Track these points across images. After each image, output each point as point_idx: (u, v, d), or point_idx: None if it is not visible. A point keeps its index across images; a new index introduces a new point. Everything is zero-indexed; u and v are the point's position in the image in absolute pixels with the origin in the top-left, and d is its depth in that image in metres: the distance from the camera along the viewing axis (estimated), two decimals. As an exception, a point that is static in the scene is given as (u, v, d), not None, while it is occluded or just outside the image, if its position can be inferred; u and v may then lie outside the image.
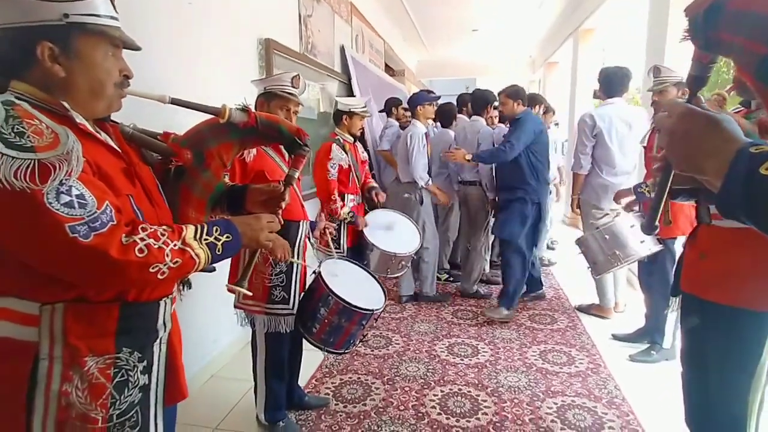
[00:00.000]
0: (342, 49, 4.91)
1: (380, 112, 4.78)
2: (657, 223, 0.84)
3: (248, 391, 2.41)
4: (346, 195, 2.92)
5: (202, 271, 1.19)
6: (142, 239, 0.85)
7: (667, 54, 3.49)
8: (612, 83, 3.21)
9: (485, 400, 2.38)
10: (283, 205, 1.21)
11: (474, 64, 10.69)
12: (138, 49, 0.98)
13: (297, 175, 1.23)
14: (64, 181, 0.79)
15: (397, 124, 4.52)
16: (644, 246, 2.46)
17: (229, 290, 1.16)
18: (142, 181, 1.01)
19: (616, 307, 3.50)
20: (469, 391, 2.47)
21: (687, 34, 0.72)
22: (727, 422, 1.39)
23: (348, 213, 2.77)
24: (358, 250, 2.98)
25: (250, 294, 1.18)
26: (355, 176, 2.99)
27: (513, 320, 3.43)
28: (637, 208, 2.63)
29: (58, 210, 0.77)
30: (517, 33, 8.44)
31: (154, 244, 0.86)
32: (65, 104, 0.87)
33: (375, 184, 3.16)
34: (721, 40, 0.67)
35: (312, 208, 2.88)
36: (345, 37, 5.03)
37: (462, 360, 2.83)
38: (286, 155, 1.47)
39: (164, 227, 0.90)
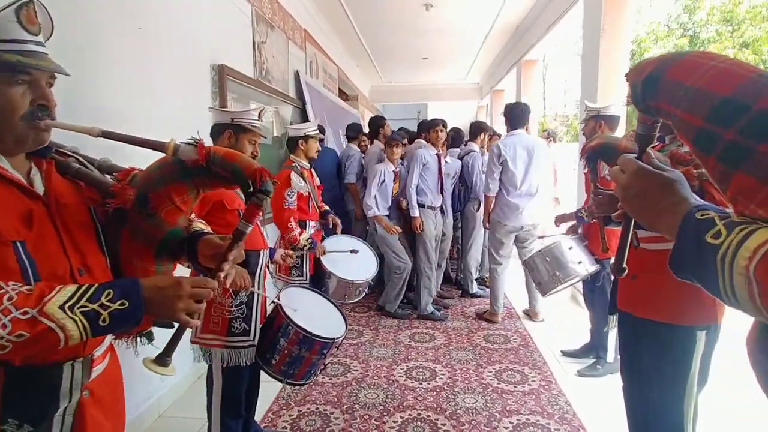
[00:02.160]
0: (297, 75, 4.96)
1: (347, 137, 4.82)
2: (624, 264, 0.87)
3: (200, 430, 2.30)
4: (307, 222, 2.91)
5: (157, 326, 1.06)
6: None
7: (600, 84, 3.80)
8: (515, 117, 3.75)
9: (444, 424, 2.40)
10: (226, 266, 0.97)
11: (425, 90, 11.07)
12: (63, 73, 0.88)
13: (248, 230, 0.98)
14: None
15: (358, 150, 4.59)
16: (582, 267, 2.61)
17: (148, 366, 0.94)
18: (60, 223, 0.89)
19: (536, 316, 3.92)
20: (428, 416, 2.48)
21: (629, 99, 0.75)
22: (667, 430, 1.50)
23: (307, 240, 2.76)
24: (319, 277, 2.97)
25: (173, 374, 0.95)
26: (314, 202, 3.00)
27: (469, 341, 3.52)
28: (579, 231, 2.80)
29: None
30: (465, 62, 8.86)
31: None
32: None
33: (328, 208, 3.19)
34: (660, 108, 0.68)
35: (269, 235, 2.85)
36: (299, 63, 5.09)
37: (420, 384, 2.85)
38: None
39: (23, 288, 0.75)
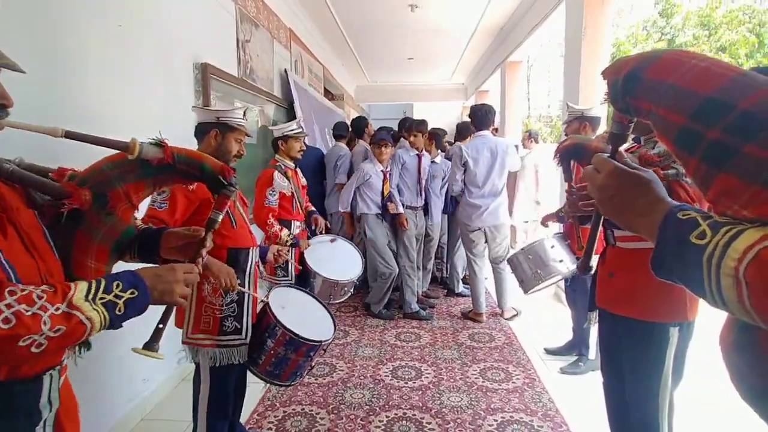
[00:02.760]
0: (285, 73, 4.94)
1: (336, 136, 4.73)
2: (592, 263, 0.90)
3: (184, 433, 2.27)
4: (291, 222, 2.90)
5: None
6: (9, 306, 0.70)
7: (582, 85, 3.87)
8: (480, 118, 3.81)
9: (429, 423, 2.42)
10: (204, 252, 1.04)
11: (411, 90, 11.09)
12: (14, 69, 0.82)
13: (220, 218, 1.08)
14: None
15: (347, 149, 4.53)
16: (563, 265, 2.65)
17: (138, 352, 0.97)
18: (20, 229, 0.85)
19: (504, 314, 3.99)
20: (414, 415, 2.50)
21: (606, 97, 0.74)
22: (642, 424, 1.54)
23: (288, 236, 2.75)
24: (304, 278, 2.96)
25: (162, 358, 0.99)
26: (298, 202, 2.99)
27: (454, 340, 3.54)
28: (561, 229, 2.85)
29: None
30: (450, 63, 8.91)
31: (26, 311, 0.71)
32: None
33: (313, 209, 3.18)
34: (639, 107, 0.67)
35: (259, 233, 2.83)
36: (284, 62, 5.06)
37: (406, 383, 2.86)
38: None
39: (44, 287, 0.76)
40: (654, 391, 1.50)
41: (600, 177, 0.70)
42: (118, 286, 0.82)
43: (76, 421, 0.99)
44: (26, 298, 0.72)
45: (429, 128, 4.31)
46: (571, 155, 1.87)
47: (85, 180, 0.97)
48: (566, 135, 2.93)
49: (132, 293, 0.83)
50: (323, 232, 3.18)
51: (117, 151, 1.00)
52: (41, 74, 1.80)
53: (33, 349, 0.72)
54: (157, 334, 1.00)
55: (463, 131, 4.65)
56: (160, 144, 1.00)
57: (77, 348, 1.02)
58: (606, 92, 0.73)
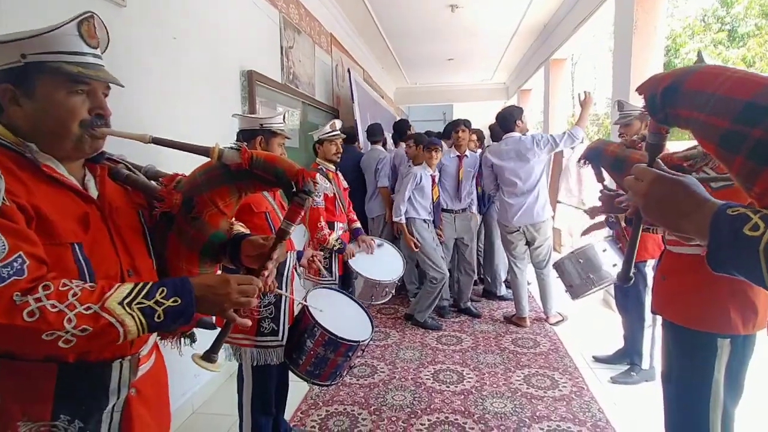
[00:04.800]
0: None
1: (369, 141, 4.63)
2: (632, 274, 0.90)
3: (231, 427, 2.35)
4: (335, 223, 2.94)
5: (200, 327, 1.11)
6: (37, 300, 0.73)
7: (633, 81, 3.68)
8: (506, 121, 3.83)
9: (472, 428, 2.37)
10: (270, 265, 1.02)
11: (451, 91, 10.99)
12: (118, 84, 0.92)
13: (292, 229, 1.03)
14: None
15: (385, 152, 4.48)
16: (616, 269, 2.54)
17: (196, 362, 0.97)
18: (113, 227, 0.93)
19: (549, 319, 3.87)
20: (456, 419, 2.46)
21: (644, 110, 0.81)
22: None
23: (337, 240, 2.78)
24: (347, 278, 2.99)
25: (218, 371, 1.02)
26: (341, 204, 3.02)
27: (497, 344, 3.46)
28: (613, 235, 2.73)
29: None
30: (491, 62, 8.76)
31: (53, 308, 0.73)
32: (31, 146, 0.84)
33: (359, 225, 3.16)
34: (679, 115, 0.74)
35: (297, 236, 2.89)
36: (325, 67, 5.15)
37: (448, 387, 2.82)
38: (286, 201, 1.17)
39: (86, 286, 0.79)
40: (704, 408, 1.40)
41: (643, 185, 0.74)
42: (162, 292, 0.82)
43: (159, 410, 1.04)
44: (59, 294, 0.75)
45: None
46: (587, 158, 1.94)
47: (182, 185, 1.04)
48: (623, 135, 2.77)
49: (174, 301, 0.82)
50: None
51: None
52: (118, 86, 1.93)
53: (61, 344, 0.73)
54: (217, 344, 0.99)
55: (497, 133, 4.57)
56: (239, 148, 0.99)
57: (181, 338, 1.12)
58: (644, 105, 0.80)
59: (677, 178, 0.72)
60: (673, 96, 0.74)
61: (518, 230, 3.78)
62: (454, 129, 4.13)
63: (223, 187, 1.03)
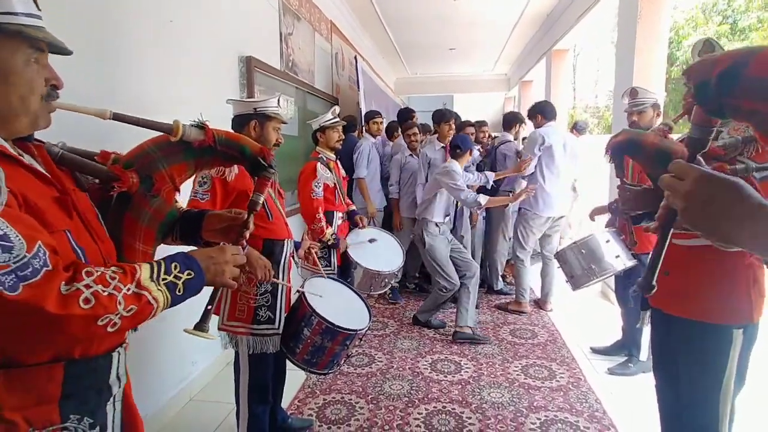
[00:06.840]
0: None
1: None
2: (654, 282, 0.81)
3: (228, 415, 2.34)
4: (334, 213, 2.92)
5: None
6: (87, 286, 0.70)
7: (636, 72, 3.65)
8: (546, 111, 3.90)
9: (469, 418, 2.38)
10: (247, 234, 1.06)
11: (452, 82, 10.91)
12: (69, 53, 0.82)
13: (261, 200, 1.09)
14: None
15: (366, 140, 4.32)
16: (619, 261, 2.52)
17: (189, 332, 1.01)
18: (80, 212, 0.85)
19: (545, 306, 3.97)
20: (454, 409, 2.46)
21: (692, 100, 0.69)
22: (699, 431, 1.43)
23: (332, 236, 2.76)
24: (346, 268, 2.98)
25: (214, 338, 1.05)
26: (340, 193, 3.00)
27: (495, 335, 3.47)
28: (616, 224, 2.70)
29: None
30: (492, 53, 8.68)
31: (103, 291, 0.72)
32: None
33: (354, 207, 3.16)
34: (739, 106, 0.64)
35: (295, 226, 2.87)
36: (325, 55, 5.09)
37: (445, 377, 2.82)
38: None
39: (114, 268, 0.76)
40: (714, 399, 1.38)
41: (685, 185, 0.63)
42: (176, 267, 0.83)
43: (132, 396, 1.02)
44: (101, 278, 0.73)
45: (474, 121, 4.31)
46: (624, 150, 1.73)
47: (130, 163, 0.98)
48: (633, 123, 2.72)
49: (189, 274, 0.84)
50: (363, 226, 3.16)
51: (160, 134, 1.01)
52: (101, 68, 1.89)
53: (109, 329, 0.73)
54: (207, 315, 1.03)
55: (511, 121, 4.52)
56: (202, 126, 1.02)
57: None
58: (687, 94, 0.70)
59: (730, 179, 0.62)
60: (732, 83, 0.63)
61: (547, 220, 3.85)
62: (443, 120, 3.93)
63: (182, 163, 1.03)
